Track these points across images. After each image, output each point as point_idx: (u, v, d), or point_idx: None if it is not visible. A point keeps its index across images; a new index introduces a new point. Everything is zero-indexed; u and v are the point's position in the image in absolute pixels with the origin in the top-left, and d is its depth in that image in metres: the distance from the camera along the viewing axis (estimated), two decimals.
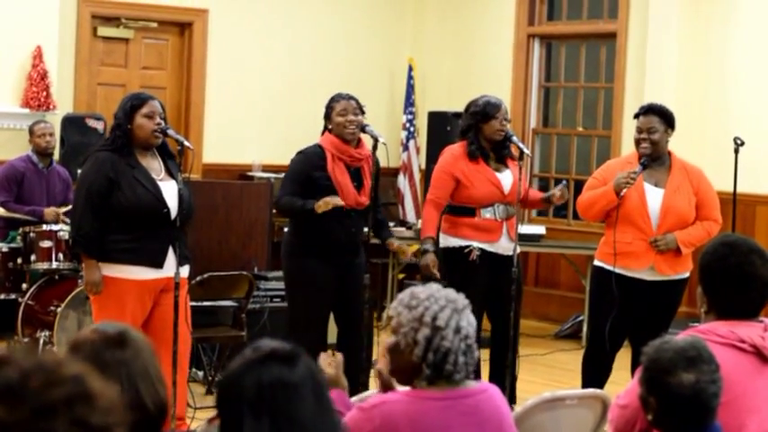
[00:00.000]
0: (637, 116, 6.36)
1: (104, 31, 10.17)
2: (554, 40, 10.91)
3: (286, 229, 6.71)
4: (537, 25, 10.82)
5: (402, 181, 11.01)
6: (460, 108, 6.96)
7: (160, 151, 5.82)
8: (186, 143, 5.78)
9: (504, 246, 6.60)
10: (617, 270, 6.20)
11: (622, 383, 4.36)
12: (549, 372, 8.41)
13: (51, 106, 9.42)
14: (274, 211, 8.31)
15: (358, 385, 5.94)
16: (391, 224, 7.47)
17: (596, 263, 6.41)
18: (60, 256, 7.72)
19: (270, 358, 2.37)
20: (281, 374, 2.34)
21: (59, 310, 7.39)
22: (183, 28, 10.54)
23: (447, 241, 6.60)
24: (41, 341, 7.46)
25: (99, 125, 9.36)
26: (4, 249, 7.84)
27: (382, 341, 3.29)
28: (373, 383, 6.30)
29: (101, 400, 1.41)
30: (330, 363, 3.36)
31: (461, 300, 3.13)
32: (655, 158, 6.25)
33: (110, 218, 5.66)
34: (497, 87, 9.89)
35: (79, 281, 7.28)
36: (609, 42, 10.28)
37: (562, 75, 10.89)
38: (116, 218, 5.66)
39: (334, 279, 6.36)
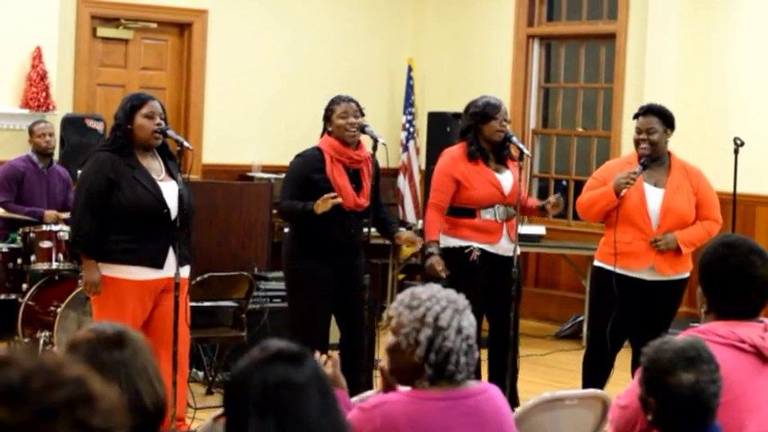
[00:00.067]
0: (636, 116, 6.36)
1: (104, 31, 10.17)
2: (553, 41, 10.91)
3: (286, 230, 6.71)
4: (536, 26, 10.82)
5: (402, 181, 11.01)
6: (460, 109, 6.96)
7: (160, 152, 5.83)
8: (186, 144, 5.79)
9: (505, 247, 6.60)
10: (617, 270, 6.20)
11: (623, 384, 4.36)
12: (550, 372, 8.41)
13: (51, 107, 9.42)
14: (275, 211, 8.31)
15: (360, 386, 5.94)
16: (390, 218, 7.44)
17: (596, 263, 6.41)
18: (60, 256, 7.72)
19: (276, 358, 2.38)
20: (286, 374, 2.35)
21: (59, 310, 7.39)
22: (183, 28, 10.54)
23: (447, 242, 6.59)
24: (41, 341, 7.46)
25: (98, 126, 9.36)
26: (4, 250, 7.84)
27: (384, 341, 3.29)
28: (377, 383, 6.31)
29: (102, 402, 1.41)
30: (327, 362, 3.36)
31: (462, 300, 3.13)
32: (654, 159, 6.25)
33: (110, 218, 5.67)
34: (497, 88, 9.89)
35: (79, 281, 7.28)
36: (608, 43, 10.29)
37: (562, 75, 10.89)
38: (116, 218, 5.67)
39: (335, 280, 6.36)
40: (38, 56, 9.37)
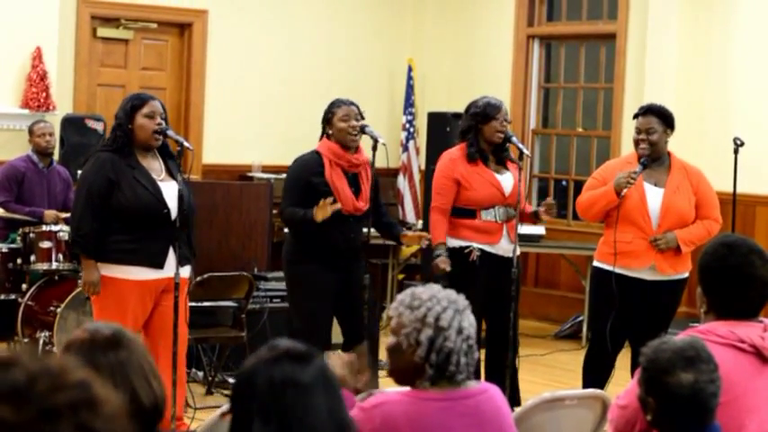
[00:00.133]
0: (636, 116, 6.37)
1: (104, 31, 10.18)
2: (553, 41, 10.91)
3: (286, 231, 6.71)
4: (536, 26, 10.82)
5: (402, 182, 11.01)
6: (460, 109, 6.95)
7: (161, 152, 5.83)
8: (186, 144, 5.79)
9: (505, 247, 6.60)
10: (617, 270, 6.20)
11: (622, 384, 4.36)
12: (550, 372, 8.41)
13: (51, 107, 9.42)
14: (275, 211, 8.32)
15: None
16: (393, 221, 7.44)
17: (596, 263, 6.41)
18: (60, 256, 7.72)
19: (283, 357, 2.39)
20: (292, 373, 2.36)
21: (59, 310, 7.39)
22: (183, 29, 10.54)
23: (447, 242, 6.59)
24: (41, 342, 7.45)
25: (98, 126, 9.36)
26: (4, 250, 7.84)
27: (385, 341, 3.29)
28: (381, 383, 6.32)
29: (105, 406, 1.42)
30: (340, 363, 3.36)
31: (462, 300, 3.13)
32: (654, 159, 6.26)
33: (110, 218, 5.67)
34: (497, 88, 9.89)
35: (79, 281, 7.28)
36: (608, 43, 10.29)
37: (562, 75, 10.89)
38: (116, 218, 5.67)
39: (336, 283, 6.36)
40: (38, 56, 9.37)
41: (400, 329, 3.09)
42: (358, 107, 6.45)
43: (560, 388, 6.14)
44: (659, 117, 6.26)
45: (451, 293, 3.13)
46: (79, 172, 6.17)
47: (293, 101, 10.80)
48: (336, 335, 6.65)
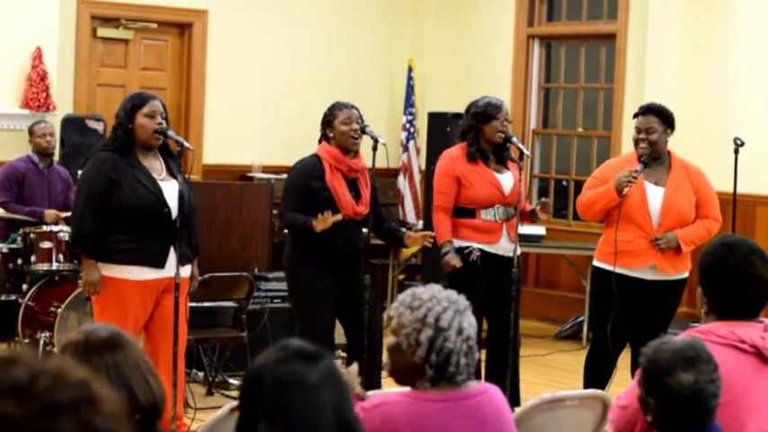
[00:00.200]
0: (636, 116, 6.36)
1: (104, 31, 10.18)
2: (554, 41, 10.91)
3: (287, 232, 6.70)
4: (537, 26, 10.82)
5: (402, 182, 11.01)
6: (460, 109, 6.95)
7: (161, 151, 5.83)
8: (186, 144, 5.79)
9: (505, 247, 6.60)
10: (618, 270, 6.19)
11: (623, 384, 4.36)
12: (550, 372, 8.41)
13: (51, 107, 9.42)
14: (275, 211, 8.32)
15: (371, 387, 5.94)
16: (393, 224, 7.43)
17: (596, 263, 6.40)
18: (60, 257, 7.72)
19: (292, 356, 2.40)
20: (300, 372, 2.36)
21: (60, 311, 7.39)
22: (183, 29, 10.54)
23: None
24: (42, 342, 7.45)
25: (99, 126, 9.36)
26: (5, 250, 7.84)
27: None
28: (384, 383, 6.32)
29: (105, 405, 1.44)
30: (352, 377, 3.35)
31: (462, 301, 3.13)
32: (655, 158, 6.25)
33: (111, 218, 5.66)
34: (497, 88, 9.88)
35: (79, 282, 7.27)
36: (609, 43, 10.29)
37: (562, 75, 10.89)
38: (117, 218, 5.66)
39: (337, 285, 6.35)
40: (38, 56, 9.37)
41: (400, 330, 3.09)
42: (358, 110, 6.43)
43: (561, 388, 6.14)
44: (659, 116, 6.26)
45: (452, 294, 3.13)
46: (80, 172, 6.17)
47: (293, 101, 10.80)
48: (338, 335, 6.65)
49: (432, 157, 9.02)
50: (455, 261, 6.44)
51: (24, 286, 7.78)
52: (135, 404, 2.45)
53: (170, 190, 5.74)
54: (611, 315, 6.17)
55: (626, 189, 6.14)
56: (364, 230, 6.43)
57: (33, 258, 7.72)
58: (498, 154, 6.67)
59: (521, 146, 6.62)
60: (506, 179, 6.62)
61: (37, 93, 9.34)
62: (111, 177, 5.64)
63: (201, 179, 9.80)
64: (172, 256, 5.72)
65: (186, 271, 5.83)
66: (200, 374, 7.54)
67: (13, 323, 7.69)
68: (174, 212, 5.72)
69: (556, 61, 10.94)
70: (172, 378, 5.57)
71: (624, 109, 9.91)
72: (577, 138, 10.77)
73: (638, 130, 6.27)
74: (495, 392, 3.21)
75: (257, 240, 8.51)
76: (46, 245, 7.71)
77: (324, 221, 6.10)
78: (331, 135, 6.37)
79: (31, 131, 8.44)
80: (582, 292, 9.62)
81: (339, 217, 6.16)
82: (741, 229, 8.55)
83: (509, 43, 10.86)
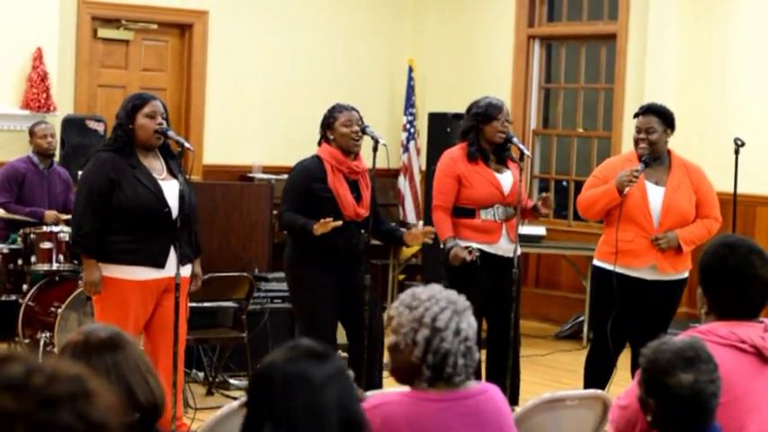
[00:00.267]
0: (636, 116, 6.37)
1: (104, 32, 10.18)
2: (554, 42, 10.91)
3: (286, 232, 6.70)
4: (537, 26, 10.82)
5: (402, 182, 11.01)
6: (461, 109, 6.95)
7: (162, 151, 5.83)
8: (186, 144, 5.79)
9: (504, 247, 6.60)
10: (618, 270, 6.19)
11: (623, 384, 4.36)
12: (550, 372, 8.41)
13: (51, 108, 9.42)
14: (275, 212, 8.32)
15: (373, 386, 5.95)
16: (392, 225, 7.43)
17: (596, 262, 6.40)
18: (61, 257, 7.72)
19: (302, 355, 2.40)
20: (307, 370, 2.37)
21: (60, 311, 7.39)
22: (184, 29, 10.54)
23: None
24: (42, 342, 7.45)
25: (99, 127, 9.36)
26: (5, 251, 7.84)
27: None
28: (385, 383, 6.32)
29: (100, 398, 1.47)
30: None
31: (462, 301, 3.12)
32: (655, 158, 6.25)
33: (111, 218, 5.67)
34: (497, 88, 9.88)
35: (79, 282, 7.28)
36: (609, 43, 10.29)
37: (562, 76, 10.89)
38: (117, 218, 5.67)
39: (337, 286, 6.35)
40: (38, 57, 9.37)
41: (399, 329, 3.09)
42: (358, 112, 6.43)
43: (561, 388, 6.14)
44: (659, 116, 6.26)
45: (452, 294, 3.13)
46: (80, 173, 6.16)
47: (294, 101, 10.80)
48: (340, 336, 6.65)
49: (432, 158, 9.03)
50: (463, 253, 6.42)
51: (25, 286, 7.79)
52: (135, 404, 2.45)
53: (170, 190, 5.74)
54: (612, 315, 6.17)
55: (627, 189, 6.14)
56: (363, 232, 6.42)
57: (33, 259, 7.72)
58: (498, 154, 6.67)
59: (521, 146, 6.62)
60: (506, 179, 6.63)
61: (37, 93, 9.34)
62: (112, 178, 5.64)
63: (202, 179, 9.80)
64: (172, 257, 5.72)
65: (186, 271, 5.83)
66: (201, 375, 7.54)
67: (13, 323, 7.69)
68: (175, 212, 5.72)
69: (556, 61, 10.94)
70: (172, 378, 5.57)
71: (624, 109, 9.91)
72: (578, 138, 10.77)
73: (639, 130, 6.27)
74: (494, 392, 3.21)
75: (257, 241, 8.51)
76: (46, 245, 7.72)
77: (324, 226, 6.10)
78: (332, 137, 6.36)
79: (31, 132, 8.43)
80: (582, 292, 9.62)
81: (339, 223, 6.16)
82: (741, 230, 8.55)
83: (509, 44, 10.86)
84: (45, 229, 7.80)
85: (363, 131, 6.36)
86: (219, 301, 7.35)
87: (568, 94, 10.90)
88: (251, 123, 10.74)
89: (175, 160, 5.89)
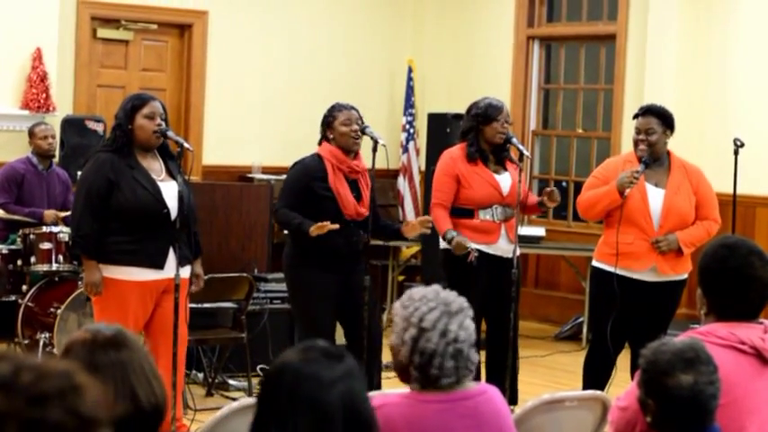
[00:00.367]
0: (636, 117, 6.36)
1: (104, 32, 10.18)
2: (553, 42, 10.91)
3: (286, 233, 6.70)
4: (536, 27, 10.82)
5: (402, 183, 11.01)
6: (460, 110, 6.95)
7: (161, 152, 5.83)
8: (186, 145, 5.78)
9: (503, 247, 6.60)
10: (618, 271, 6.19)
11: (622, 385, 4.36)
12: (550, 373, 8.41)
13: (51, 108, 9.42)
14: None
15: (372, 387, 5.94)
16: (389, 221, 7.43)
17: (595, 263, 6.39)
18: (60, 257, 7.72)
19: (315, 355, 2.40)
20: (318, 370, 2.36)
21: (59, 311, 7.39)
22: (183, 30, 10.54)
23: (445, 244, 6.59)
24: (41, 343, 7.45)
25: (99, 127, 9.36)
26: (4, 251, 7.84)
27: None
28: (384, 384, 6.32)
29: (89, 392, 1.48)
30: None
31: (458, 303, 3.08)
32: (654, 159, 6.25)
33: (110, 219, 5.67)
34: (497, 89, 9.89)
35: (79, 282, 7.27)
36: (608, 44, 10.29)
37: (562, 76, 10.90)
38: (116, 219, 5.66)
39: (337, 286, 6.35)
40: (38, 57, 9.37)
41: (395, 328, 3.10)
42: (358, 111, 6.44)
43: (560, 389, 6.14)
44: (659, 117, 6.25)
45: (450, 296, 3.10)
46: (79, 173, 6.16)
47: (293, 102, 10.80)
48: (339, 337, 6.66)
49: (431, 158, 9.03)
50: (465, 242, 6.41)
51: (24, 287, 7.78)
52: (137, 405, 2.45)
53: (169, 191, 5.74)
54: (612, 316, 6.16)
55: (628, 190, 6.13)
56: (362, 232, 6.42)
57: (33, 259, 7.72)
58: (498, 155, 6.68)
59: (521, 147, 6.62)
60: (505, 180, 6.63)
61: (37, 94, 9.34)
62: (110, 178, 5.64)
63: (201, 180, 9.79)
64: (171, 257, 5.72)
65: (186, 272, 5.82)
66: (200, 375, 7.54)
67: (12, 324, 7.69)
68: (174, 213, 5.72)
69: (556, 62, 10.95)
70: (171, 379, 5.56)
71: (624, 110, 9.91)
72: (577, 139, 10.78)
73: (638, 131, 6.26)
74: (494, 393, 3.21)
75: (257, 241, 8.51)
76: (45, 246, 7.71)
77: (321, 229, 6.11)
78: (331, 136, 6.37)
79: (31, 133, 8.43)
80: (581, 293, 9.62)
81: (336, 226, 6.16)
82: (741, 231, 8.55)
83: (509, 44, 10.86)
84: (44, 229, 7.80)
85: (363, 132, 6.37)
86: (219, 302, 7.35)
87: (568, 95, 10.90)
88: (250, 124, 10.74)
89: (174, 161, 5.89)
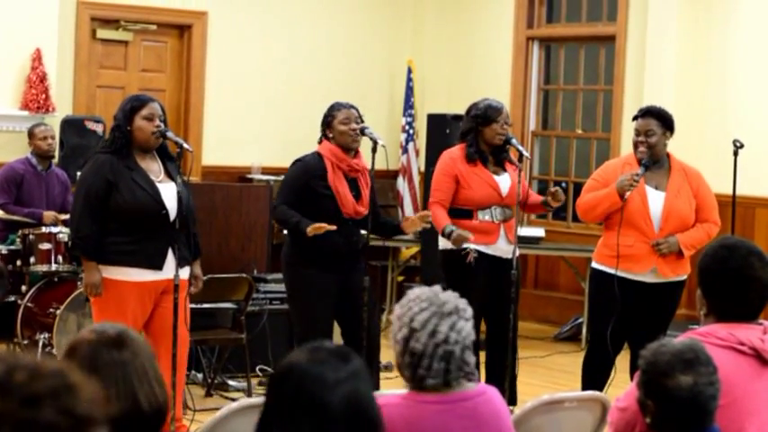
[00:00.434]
0: (635, 118, 6.36)
1: (103, 33, 10.18)
2: (553, 43, 10.91)
3: (285, 233, 6.70)
4: (536, 28, 10.82)
5: (401, 184, 11.01)
6: (460, 111, 6.95)
7: (159, 153, 5.83)
8: (185, 146, 5.78)
9: (502, 248, 6.60)
10: (618, 273, 6.18)
11: (622, 386, 4.36)
12: (549, 374, 8.41)
13: (50, 109, 9.42)
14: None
15: None
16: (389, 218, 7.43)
17: (595, 265, 6.39)
18: (59, 258, 7.72)
19: (323, 355, 2.40)
20: (324, 371, 2.37)
21: (59, 312, 7.39)
22: (183, 30, 10.54)
23: (445, 243, 6.59)
24: (41, 343, 7.45)
25: (98, 127, 9.36)
26: (4, 251, 7.84)
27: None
28: (384, 384, 6.32)
29: (84, 391, 1.47)
30: None
31: (452, 304, 3.06)
32: (654, 161, 6.24)
33: (109, 220, 5.67)
34: (496, 90, 9.89)
35: (78, 283, 7.27)
36: (608, 45, 10.29)
37: (561, 77, 10.90)
38: (115, 220, 5.67)
39: (335, 285, 6.35)
40: (37, 57, 9.37)
41: (392, 328, 3.11)
42: (357, 110, 6.44)
43: (560, 390, 6.14)
44: (658, 119, 6.25)
45: (445, 296, 3.08)
46: (79, 174, 6.17)
47: (293, 102, 10.81)
48: (336, 337, 6.65)
49: (431, 159, 9.03)
50: (467, 234, 6.40)
51: (23, 287, 7.78)
52: (136, 406, 2.45)
53: (168, 192, 5.74)
54: (612, 319, 6.15)
55: (628, 193, 6.13)
56: (363, 232, 6.42)
57: (32, 260, 7.72)
58: (497, 156, 6.68)
59: (520, 148, 6.62)
60: (504, 181, 6.64)
61: (36, 94, 9.34)
62: (109, 180, 5.64)
63: (201, 181, 9.80)
64: (170, 258, 5.72)
65: (185, 273, 5.82)
66: (199, 376, 7.54)
67: (12, 324, 7.69)
68: (172, 214, 5.73)
69: (555, 63, 10.95)
70: (171, 380, 5.57)
71: (623, 111, 9.91)
72: (576, 140, 10.78)
73: (638, 133, 6.26)
74: (493, 394, 3.20)
75: (256, 242, 8.51)
76: (45, 246, 7.71)
77: (318, 229, 6.12)
78: (331, 135, 6.38)
79: (31, 134, 8.42)
80: (581, 293, 9.62)
81: (334, 227, 6.17)
82: (740, 231, 8.55)
83: (508, 45, 10.86)
84: (44, 230, 7.81)
85: (362, 132, 6.37)
86: (218, 303, 7.35)
87: (567, 96, 10.90)
88: (250, 124, 10.75)
89: (173, 162, 5.89)
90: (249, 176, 10.55)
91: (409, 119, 11.16)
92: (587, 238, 9.60)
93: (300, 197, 6.30)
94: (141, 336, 2.64)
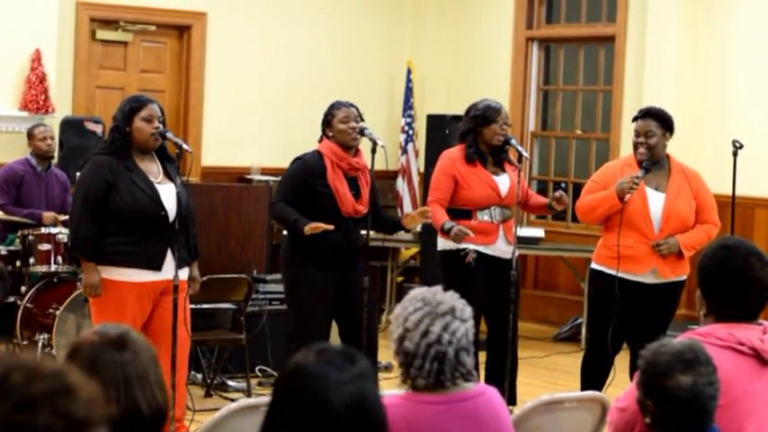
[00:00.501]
0: (635, 119, 6.36)
1: (103, 34, 10.18)
2: (552, 44, 10.91)
3: (285, 233, 6.71)
4: (535, 28, 10.82)
5: (401, 184, 11.01)
6: (459, 111, 6.95)
7: (158, 154, 5.83)
8: (185, 146, 5.79)
9: (501, 248, 6.60)
10: (619, 274, 6.18)
11: (621, 386, 4.36)
12: (548, 374, 8.41)
13: (50, 109, 9.42)
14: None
15: None
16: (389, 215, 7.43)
17: (595, 266, 6.39)
18: (59, 258, 7.72)
19: (329, 357, 2.40)
20: (329, 372, 2.37)
21: (58, 312, 7.39)
22: (182, 31, 10.54)
23: (444, 244, 6.60)
24: (40, 344, 7.45)
25: (97, 128, 9.36)
26: (3, 252, 7.84)
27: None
28: (383, 384, 6.31)
29: (81, 393, 1.46)
30: None
31: (447, 305, 3.05)
32: (654, 162, 6.25)
33: (108, 221, 5.67)
34: (496, 90, 9.89)
35: (78, 283, 7.27)
36: (607, 45, 10.29)
37: (561, 78, 10.90)
38: (114, 221, 5.67)
39: (334, 284, 6.35)
40: (37, 58, 9.37)
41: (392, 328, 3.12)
42: (357, 109, 6.45)
43: (559, 390, 6.15)
44: (658, 120, 6.25)
45: (444, 297, 3.08)
46: (78, 174, 6.17)
47: (292, 103, 10.81)
48: (334, 336, 6.65)
49: (430, 160, 9.02)
50: (466, 229, 6.40)
51: (23, 288, 7.78)
52: (135, 408, 2.45)
53: (167, 193, 5.74)
54: (613, 319, 6.15)
55: (628, 195, 6.13)
56: (363, 233, 6.43)
57: (32, 260, 7.72)
58: (496, 156, 6.68)
59: (520, 148, 6.62)
60: (503, 181, 6.64)
61: (36, 95, 9.34)
62: (108, 181, 5.64)
63: (200, 181, 9.80)
64: (169, 259, 5.72)
65: (184, 273, 5.83)
66: (199, 376, 7.54)
67: (11, 325, 7.68)
68: (172, 215, 5.73)
69: (555, 63, 10.95)
70: (170, 380, 5.57)
71: (623, 111, 9.91)
72: (576, 140, 10.78)
73: (637, 134, 6.26)
74: (492, 394, 3.20)
75: (256, 242, 8.51)
76: (44, 247, 7.71)
77: (315, 229, 6.13)
78: (331, 134, 6.39)
79: (30, 134, 8.42)
80: (580, 294, 9.62)
81: (331, 227, 6.17)
82: (740, 232, 8.55)
83: (508, 45, 10.86)
84: (43, 230, 7.81)
85: (362, 133, 6.38)
86: (218, 303, 7.35)
87: (567, 96, 10.90)
88: (249, 125, 10.75)
89: (172, 164, 5.89)
90: (248, 177, 10.55)
91: (408, 119, 11.16)
92: (587, 239, 9.61)
93: (299, 195, 6.31)
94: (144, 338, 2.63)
